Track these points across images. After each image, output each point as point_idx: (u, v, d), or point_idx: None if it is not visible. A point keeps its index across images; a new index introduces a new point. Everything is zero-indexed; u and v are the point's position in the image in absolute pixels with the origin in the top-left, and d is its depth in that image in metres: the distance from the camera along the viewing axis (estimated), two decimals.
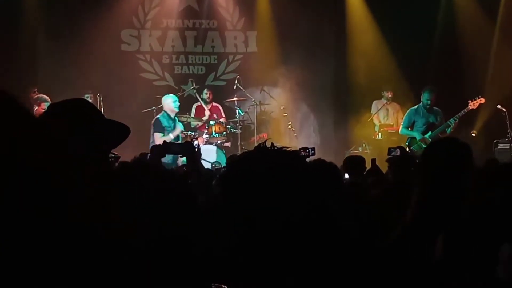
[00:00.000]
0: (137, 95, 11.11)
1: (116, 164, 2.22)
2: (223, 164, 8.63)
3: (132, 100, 10.84)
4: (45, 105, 8.09)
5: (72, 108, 2.01)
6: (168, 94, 10.24)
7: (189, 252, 1.71)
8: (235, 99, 10.78)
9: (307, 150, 5.12)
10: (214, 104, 10.97)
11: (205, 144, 9.89)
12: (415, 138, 9.55)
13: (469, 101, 9.50)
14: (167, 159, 7.97)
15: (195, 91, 11.14)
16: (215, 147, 9.87)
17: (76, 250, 0.78)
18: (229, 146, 10.42)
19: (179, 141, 9.20)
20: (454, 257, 2.00)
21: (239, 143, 10.41)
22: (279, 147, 1.57)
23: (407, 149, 9.07)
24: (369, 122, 10.91)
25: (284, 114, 11.10)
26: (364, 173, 5.22)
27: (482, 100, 9.52)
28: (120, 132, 2.07)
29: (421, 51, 11.56)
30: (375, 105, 11.05)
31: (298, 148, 5.02)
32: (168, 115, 9.82)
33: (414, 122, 9.68)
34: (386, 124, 10.84)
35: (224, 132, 10.18)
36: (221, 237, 1.61)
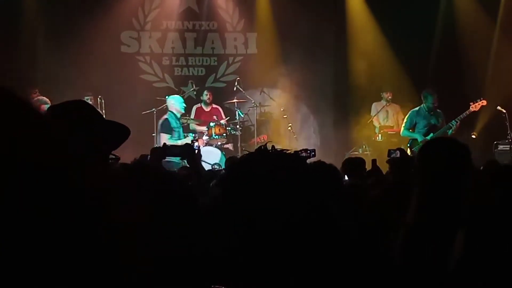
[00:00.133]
0: (137, 96, 11.11)
1: (116, 165, 2.22)
2: (223, 165, 8.63)
3: (132, 102, 10.83)
4: (45, 107, 8.08)
5: (72, 110, 2.01)
6: (173, 95, 10.24)
7: (189, 253, 1.71)
8: (235, 100, 10.79)
9: (308, 151, 5.13)
10: (214, 105, 10.97)
11: (205, 146, 9.88)
12: (416, 139, 9.54)
13: (471, 103, 9.49)
14: (174, 158, 7.95)
15: (195, 92, 11.14)
16: (215, 149, 9.86)
17: (76, 250, 0.78)
18: (229, 147, 10.42)
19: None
20: (476, 258, 1.99)
21: (239, 145, 10.42)
22: (279, 149, 1.58)
23: (409, 150, 9.07)
24: (369, 123, 10.92)
25: (284, 116, 11.10)
26: (364, 174, 5.22)
27: (484, 102, 9.51)
28: (120, 133, 2.07)
29: (422, 51, 11.57)
30: (375, 107, 11.05)
31: (298, 150, 5.03)
32: (175, 115, 9.81)
33: (415, 123, 9.67)
34: (386, 126, 10.84)
35: (224, 134, 10.19)
36: (221, 238, 1.61)
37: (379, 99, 11.10)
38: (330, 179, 3.14)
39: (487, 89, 10.59)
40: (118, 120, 2.19)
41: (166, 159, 4.35)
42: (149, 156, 3.96)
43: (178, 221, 1.78)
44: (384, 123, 10.91)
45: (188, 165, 4.08)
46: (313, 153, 5.19)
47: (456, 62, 11.41)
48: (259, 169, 1.52)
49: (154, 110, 10.39)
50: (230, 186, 1.54)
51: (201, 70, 12.18)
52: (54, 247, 0.74)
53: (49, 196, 0.75)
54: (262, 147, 1.60)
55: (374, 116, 10.90)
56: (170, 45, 11.98)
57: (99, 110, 9.60)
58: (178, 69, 12.08)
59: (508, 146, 9.72)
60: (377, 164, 5.63)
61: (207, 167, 8.67)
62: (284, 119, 11.09)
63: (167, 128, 9.59)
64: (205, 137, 10.06)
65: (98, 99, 10.34)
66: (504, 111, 9.75)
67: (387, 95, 10.97)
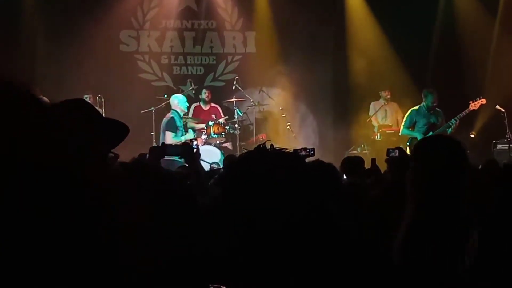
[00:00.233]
0: (135, 95, 11.10)
1: (115, 163, 2.22)
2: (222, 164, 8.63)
3: (131, 101, 10.82)
4: None
5: (72, 108, 2.01)
6: (175, 94, 10.21)
7: (189, 253, 1.71)
8: (233, 99, 10.78)
9: (307, 150, 5.13)
10: (213, 104, 10.97)
11: (204, 144, 9.88)
12: (416, 138, 9.54)
13: (470, 102, 9.49)
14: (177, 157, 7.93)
15: (193, 91, 11.13)
16: (214, 148, 9.85)
17: (76, 250, 0.78)
18: (228, 146, 10.41)
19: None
20: (490, 259, 1.98)
21: (237, 144, 10.41)
22: (278, 148, 1.58)
23: (408, 149, 9.07)
24: (368, 122, 10.92)
25: (283, 115, 11.10)
26: (363, 173, 5.21)
27: (483, 101, 9.51)
28: (119, 131, 2.07)
29: (421, 50, 11.58)
30: (373, 106, 11.05)
31: (297, 149, 5.02)
32: (179, 114, 9.81)
33: (415, 122, 9.67)
34: (385, 125, 10.84)
35: (223, 133, 10.18)
36: (221, 238, 1.61)
37: (378, 98, 11.10)
38: (329, 178, 3.14)
39: (486, 88, 10.60)
40: (117, 119, 2.19)
41: (168, 158, 4.35)
42: (147, 155, 3.96)
43: (177, 220, 1.78)
44: (383, 122, 10.91)
45: (186, 164, 4.08)
46: (312, 152, 5.19)
47: (455, 60, 11.42)
48: (258, 168, 1.52)
49: (152, 109, 10.38)
50: (229, 185, 1.54)
51: (200, 69, 12.18)
52: (54, 247, 0.74)
53: (49, 195, 0.74)
54: (261, 146, 1.59)
55: (373, 115, 10.90)
56: (169, 44, 11.97)
57: (98, 109, 9.60)
58: (177, 68, 12.08)
59: (507, 145, 9.72)
60: (376, 163, 5.63)
61: (205, 166, 8.67)
62: (283, 118, 11.09)
63: (172, 127, 9.57)
64: (203, 136, 10.04)
65: (97, 98, 10.33)
66: (503, 110, 9.75)
67: (385, 94, 10.97)
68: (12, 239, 0.72)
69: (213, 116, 10.52)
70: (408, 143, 9.53)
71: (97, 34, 11.03)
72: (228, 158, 6.58)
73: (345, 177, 5.18)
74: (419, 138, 9.43)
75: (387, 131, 10.62)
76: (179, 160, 8.37)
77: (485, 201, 2.90)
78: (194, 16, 12.07)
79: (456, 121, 9.41)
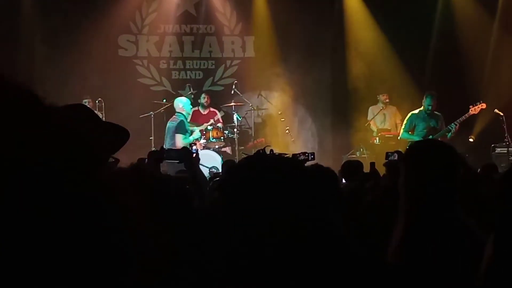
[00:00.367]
0: (134, 100, 11.10)
1: (115, 168, 2.22)
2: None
3: (130, 105, 10.82)
4: None
5: (71, 113, 2.01)
6: (178, 97, 10.19)
7: (188, 256, 1.71)
8: (232, 104, 10.78)
9: (306, 154, 5.12)
10: (212, 109, 10.97)
11: (203, 149, 9.88)
12: None
13: (470, 106, 9.50)
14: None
15: (192, 96, 11.14)
16: (213, 153, 9.85)
17: (75, 252, 0.78)
18: (227, 151, 10.40)
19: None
20: (507, 265, 1.97)
21: (236, 148, 10.41)
22: (277, 153, 1.58)
23: None
24: (367, 126, 10.93)
25: (282, 119, 11.11)
26: (362, 176, 5.21)
27: (484, 106, 9.50)
28: (119, 136, 2.07)
29: (420, 53, 11.60)
30: (371, 111, 11.05)
31: (297, 153, 5.02)
32: (185, 117, 9.79)
33: (415, 126, 9.67)
34: (384, 129, 10.84)
35: (222, 137, 10.18)
36: (221, 242, 1.61)
37: (376, 101, 11.11)
38: (327, 183, 3.14)
39: (485, 92, 10.61)
40: (117, 124, 2.19)
41: (172, 161, 4.34)
42: (146, 160, 3.96)
43: (175, 224, 1.78)
44: (381, 126, 10.91)
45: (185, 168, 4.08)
46: (312, 156, 5.18)
47: (454, 63, 11.44)
48: (257, 173, 1.52)
49: (151, 114, 10.39)
50: (229, 190, 1.54)
51: (199, 73, 12.19)
52: (54, 248, 0.74)
53: (49, 197, 0.74)
54: (261, 151, 1.60)
55: (371, 120, 10.91)
56: (167, 49, 11.99)
57: (97, 113, 9.58)
58: (175, 73, 12.08)
59: (506, 149, 9.73)
60: (375, 167, 5.63)
61: (204, 170, 8.66)
62: (281, 122, 11.09)
63: (182, 129, 9.56)
64: (202, 141, 10.04)
65: (97, 102, 10.34)
66: (502, 114, 9.75)
67: (383, 98, 10.98)
68: (12, 239, 0.72)
69: (211, 120, 10.51)
70: (407, 147, 9.51)
71: (95, 39, 11.04)
72: (227, 163, 6.58)
73: (344, 181, 5.19)
74: None
75: (386, 135, 10.62)
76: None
77: (486, 205, 2.90)
78: (193, 21, 12.09)
79: (456, 125, 9.40)
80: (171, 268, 1.56)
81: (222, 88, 12.00)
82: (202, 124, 10.35)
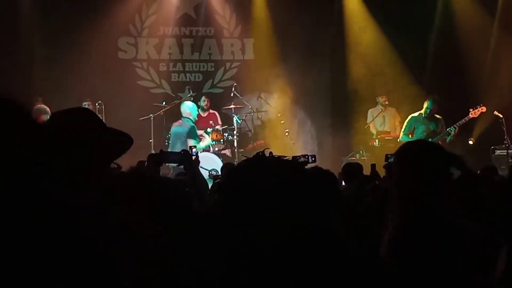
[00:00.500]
0: (134, 102, 11.09)
1: (116, 173, 2.22)
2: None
3: (129, 108, 10.81)
4: (44, 117, 7.97)
5: (75, 117, 2.01)
6: (185, 102, 10.16)
7: (186, 257, 1.71)
8: (232, 106, 10.78)
9: (307, 157, 5.11)
10: (211, 111, 10.97)
11: (203, 151, 9.87)
12: None
13: (470, 110, 9.48)
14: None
15: (192, 98, 11.14)
16: (213, 155, 9.83)
17: (74, 252, 0.78)
18: (227, 153, 10.40)
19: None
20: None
21: (236, 151, 10.40)
22: (277, 156, 1.59)
23: None
24: (366, 129, 10.92)
25: (281, 121, 11.11)
26: (362, 178, 5.20)
27: (484, 109, 9.49)
28: (122, 142, 2.07)
29: (420, 54, 11.61)
30: (371, 113, 11.05)
31: (297, 156, 5.02)
32: (193, 122, 9.78)
33: (414, 128, 9.67)
34: (383, 131, 10.84)
35: (222, 140, 10.17)
36: (219, 242, 1.61)
37: (376, 104, 11.10)
38: (327, 185, 3.14)
39: (484, 94, 10.60)
40: (115, 126, 2.19)
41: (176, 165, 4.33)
42: (146, 162, 3.95)
43: (173, 227, 1.78)
44: (381, 129, 10.91)
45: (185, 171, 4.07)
46: (313, 158, 5.16)
47: (454, 64, 11.43)
48: (257, 175, 1.52)
49: (151, 116, 10.39)
50: (229, 193, 1.54)
51: (198, 76, 12.19)
52: (52, 246, 0.74)
53: (49, 198, 0.75)
54: (260, 153, 1.60)
55: (370, 122, 10.91)
56: (167, 51, 11.99)
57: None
58: (175, 75, 12.09)
59: (505, 151, 9.72)
60: (376, 169, 5.62)
61: (204, 173, 8.66)
62: (281, 124, 11.09)
63: (194, 134, 9.54)
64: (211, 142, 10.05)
65: (96, 105, 10.33)
66: (501, 116, 9.75)
67: (382, 100, 10.98)
68: (12, 239, 0.72)
69: (211, 122, 10.51)
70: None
71: (95, 41, 11.04)
72: (226, 166, 6.57)
73: (343, 183, 5.18)
74: None
75: (386, 137, 10.61)
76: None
77: (486, 206, 2.90)
78: (193, 23, 12.10)
79: (455, 128, 9.39)
80: (171, 269, 1.56)
81: (222, 90, 12.00)
82: (202, 127, 10.34)
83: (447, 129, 9.44)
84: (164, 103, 10.80)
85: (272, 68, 11.73)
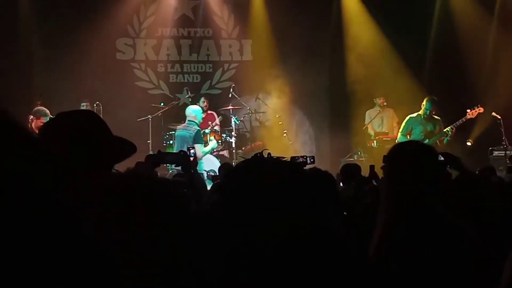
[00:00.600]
0: (132, 103, 11.08)
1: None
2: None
3: (127, 109, 10.80)
4: (43, 119, 7.94)
5: (78, 120, 2.00)
6: (190, 106, 10.11)
7: (186, 258, 1.71)
8: (230, 107, 10.78)
9: (305, 158, 5.10)
10: (209, 111, 10.97)
11: None
12: None
13: (468, 110, 9.48)
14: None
15: (190, 99, 11.13)
16: (211, 156, 9.82)
17: (74, 252, 0.78)
18: (225, 154, 10.39)
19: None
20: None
21: (234, 152, 10.40)
22: (275, 157, 1.58)
23: None
24: (364, 130, 10.93)
25: (280, 122, 11.11)
26: (360, 180, 5.20)
27: (481, 110, 9.48)
28: (125, 148, 2.07)
29: (419, 54, 11.61)
30: (368, 115, 11.06)
31: (296, 156, 5.01)
32: (198, 126, 9.75)
33: (412, 129, 9.66)
34: (381, 132, 10.84)
35: (220, 141, 10.17)
36: (219, 243, 1.60)
37: (374, 105, 11.11)
38: (325, 186, 3.14)
39: (482, 95, 10.61)
40: (113, 127, 2.18)
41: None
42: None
43: (173, 227, 1.78)
44: (379, 130, 10.92)
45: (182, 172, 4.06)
46: (311, 159, 5.15)
47: (453, 65, 11.44)
48: (255, 176, 1.52)
49: (149, 117, 10.38)
50: (228, 192, 1.54)
51: (196, 77, 12.19)
52: (52, 247, 0.74)
53: (50, 201, 0.74)
54: (258, 154, 1.60)
55: (368, 123, 10.91)
56: (165, 52, 12.00)
57: None
58: (173, 76, 12.09)
59: (503, 152, 9.73)
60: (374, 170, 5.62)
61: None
62: (279, 125, 11.09)
63: (201, 139, 9.48)
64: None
65: (94, 106, 10.32)
66: (499, 117, 9.75)
67: (380, 101, 10.98)
68: (12, 239, 0.71)
69: (210, 123, 10.50)
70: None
71: (93, 42, 11.04)
72: (224, 167, 6.56)
73: (341, 184, 5.18)
74: None
75: (384, 139, 10.61)
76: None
77: (484, 206, 2.90)
78: (191, 24, 12.10)
79: (453, 129, 9.39)
80: (171, 269, 1.56)
81: (220, 91, 12.01)
82: (201, 128, 10.31)
83: (445, 130, 9.43)
84: (162, 104, 10.79)
85: (270, 69, 11.73)
